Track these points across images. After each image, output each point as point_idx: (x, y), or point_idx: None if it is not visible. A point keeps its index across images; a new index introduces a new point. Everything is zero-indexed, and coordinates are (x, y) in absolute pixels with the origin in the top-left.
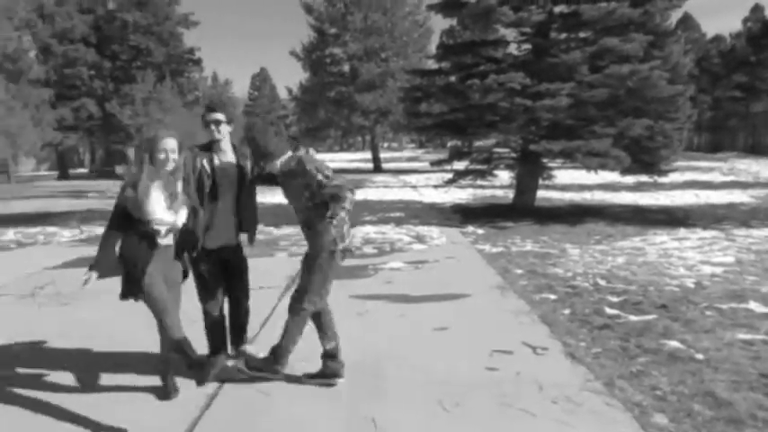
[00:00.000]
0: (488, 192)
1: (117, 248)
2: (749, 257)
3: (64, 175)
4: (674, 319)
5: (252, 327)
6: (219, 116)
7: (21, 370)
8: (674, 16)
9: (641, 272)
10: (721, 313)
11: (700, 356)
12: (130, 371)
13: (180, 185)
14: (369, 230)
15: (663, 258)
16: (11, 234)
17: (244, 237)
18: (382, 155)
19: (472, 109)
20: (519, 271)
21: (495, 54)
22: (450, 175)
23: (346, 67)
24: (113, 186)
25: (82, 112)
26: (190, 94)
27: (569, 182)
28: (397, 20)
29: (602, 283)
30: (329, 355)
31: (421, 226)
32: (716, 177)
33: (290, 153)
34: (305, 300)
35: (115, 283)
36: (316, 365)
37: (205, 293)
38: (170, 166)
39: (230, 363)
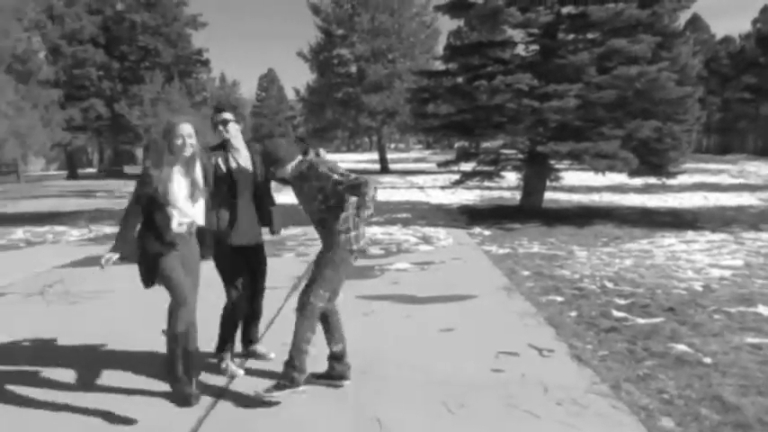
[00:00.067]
0: (495, 193)
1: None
2: (758, 261)
3: (73, 175)
4: (682, 322)
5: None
6: (228, 116)
7: (28, 367)
8: (683, 17)
9: (649, 274)
10: (729, 317)
11: (707, 360)
12: (138, 369)
13: (199, 172)
14: (376, 231)
15: (671, 261)
16: (20, 233)
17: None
18: (389, 156)
19: (479, 110)
20: (526, 272)
21: (502, 55)
22: (457, 177)
23: (353, 68)
24: (122, 186)
25: (91, 112)
26: (198, 94)
27: (577, 183)
28: (405, 21)
29: (610, 285)
30: (336, 357)
31: (428, 227)
32: (725, 180)
33: (300, 157)
34: (311, 293)
35: (124, 283)
36: (322, 366)
37: (230, 287)
38: (188, 152)
39: (233, 367)
